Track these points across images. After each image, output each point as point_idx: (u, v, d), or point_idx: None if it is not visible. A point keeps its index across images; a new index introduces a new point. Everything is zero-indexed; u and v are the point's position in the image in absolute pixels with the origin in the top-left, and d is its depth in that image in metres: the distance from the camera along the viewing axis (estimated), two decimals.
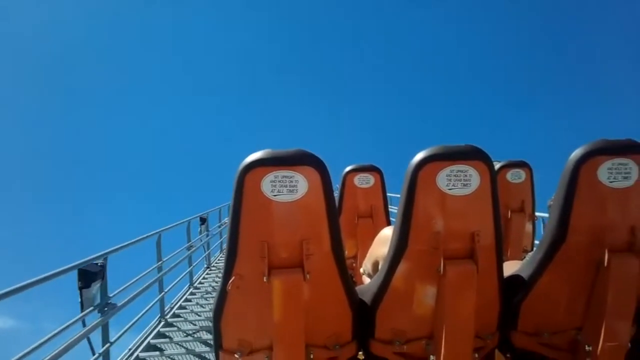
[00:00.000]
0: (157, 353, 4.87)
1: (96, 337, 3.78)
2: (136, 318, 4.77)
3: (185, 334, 5.48)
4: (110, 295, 3.96)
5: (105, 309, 3.85)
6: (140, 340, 5.06)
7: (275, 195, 1.30)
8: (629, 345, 1.44)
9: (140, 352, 4.76)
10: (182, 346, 5.08)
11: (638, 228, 1.39)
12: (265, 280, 1.33)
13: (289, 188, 1.30)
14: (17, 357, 2.61)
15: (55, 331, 3.08)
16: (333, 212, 1.37)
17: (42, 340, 2.88)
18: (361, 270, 1.97)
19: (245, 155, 1.33)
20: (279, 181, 1.30)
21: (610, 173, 1.36)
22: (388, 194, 3.37)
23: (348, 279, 1.46)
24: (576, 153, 1.38)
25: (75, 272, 3.53)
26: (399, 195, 1.45)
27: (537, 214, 3.38)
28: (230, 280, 1.37)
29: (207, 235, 9.59)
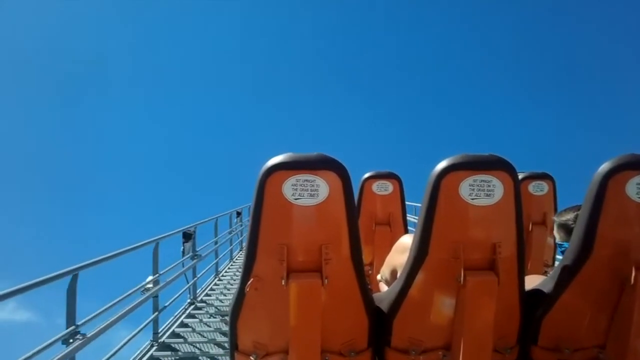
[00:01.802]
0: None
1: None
2: (210, 265, 8.20)
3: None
4: (197, 249, 6.81)
5: (194, 259, 6.57)
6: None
7: (296, 199, 1.31)
8: None
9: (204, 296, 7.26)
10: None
11: None
12: (283, 283, 1.33)
13: (310, 192, 1.31)
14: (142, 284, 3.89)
15: (168, 268, 5.22)
16: (353, 217, 1.37)
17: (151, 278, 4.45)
18: (378, 277, 1.96)
19: (265, 159, 1.34)
20: (300, 185, 1.30)
21: (639, 188, 1.32)
22: (406, 202, 3.34)
23: (365, 285, 1.45)
24: (604, 167, 1.35)
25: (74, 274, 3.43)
26: (417, 204, 1.44)
27: None
28: (249, 282, 1.37)
29: (242, 226, 11.84)
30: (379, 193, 3.19)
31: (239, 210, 12.03)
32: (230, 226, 10.39)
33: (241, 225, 11.87)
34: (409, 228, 3.45)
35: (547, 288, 1.49)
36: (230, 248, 10.37)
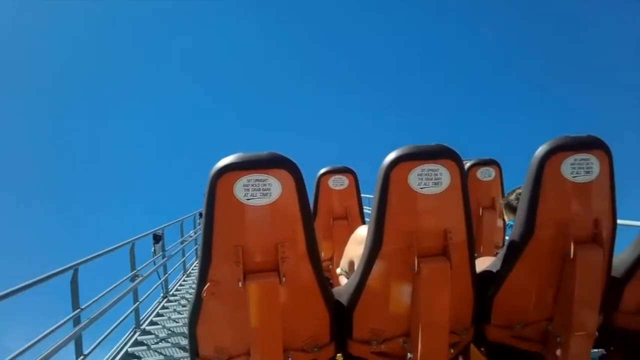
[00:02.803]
0: None
1: (69, 350, 3.61)
2: (111, 328, 4.68)
3: (162, 340, 5.43)
4: (82, 306, 3.83)
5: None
6: (116, 351, 4.96)
7: (248, 200, 1.29)
8: (597, 333, 1.49)
9: None
10: (160, 353, 5.06)
11: (600, 220, 1.45)
12: (240, 285, 1.31)
13: (263, 192, 1.30)
14: None
15: (23, 347, 2.96)
16: (307, 214, 1.37)
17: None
18: (338, 270, 1.98)
19: (216, 159, 1.31)
20: (252, 185, 1.29)
21: (573, 168, 1.41)
22: (362, 195, 3.39)
23: (324, 281, 1.46)
24: (540, 150, 1.43)
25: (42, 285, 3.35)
26: (372, 196, 1.46)
27: None
28: (205, 287, 1.35)
29: (163, 257, 7.56)
30: (335, 188, 3.22)
31: (159, 233, 7.54)
32: (133, 269, 5.65)
33: (163, 257, 7.45)
34: (366, 220, 3.50)
35: (497, 269, 1.56)
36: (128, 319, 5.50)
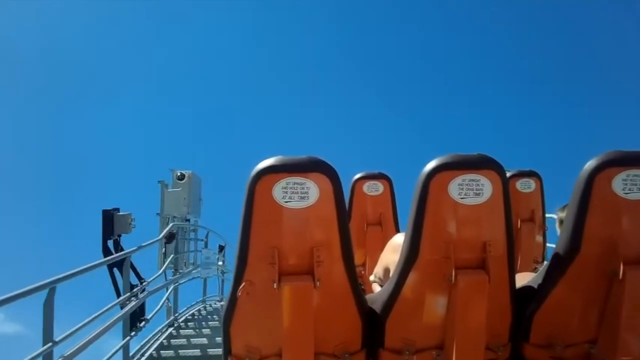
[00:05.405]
0: None
1: None
2: None
3: None
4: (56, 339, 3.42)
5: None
6: None
7: (286, 202, 1.31)
8: None
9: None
10: None
11: None
12: (275, 286, 1.33)
13: (301, 195, 1.31)
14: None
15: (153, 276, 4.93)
16: (344, 219, 1.37)
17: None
18: (371, 277, 1.97)
19: (254, 162, 1.34)
20: (291, 188, 1.30)
21: (625, 184, 1.34)
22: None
23: (358, 287, 1.46)
24: (590, 164, 1.37)
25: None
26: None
27: (547, 224, 3.34)
28: (241, 287, 1.37)
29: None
30: (370, 194, 3.20)
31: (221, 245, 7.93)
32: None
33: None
34: (401, 228, 3.46)
35: (538, 285, 1.51)
36: None
